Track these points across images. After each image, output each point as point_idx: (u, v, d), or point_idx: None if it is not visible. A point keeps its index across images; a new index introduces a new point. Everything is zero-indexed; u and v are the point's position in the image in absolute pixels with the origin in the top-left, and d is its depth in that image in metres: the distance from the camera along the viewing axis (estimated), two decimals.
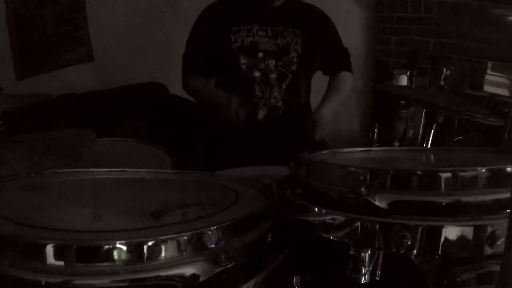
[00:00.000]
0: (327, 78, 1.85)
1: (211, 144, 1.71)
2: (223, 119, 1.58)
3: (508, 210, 0.52)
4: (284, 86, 1.66)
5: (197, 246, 0.57)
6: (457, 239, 0.60)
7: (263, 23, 1.66)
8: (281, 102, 1.66)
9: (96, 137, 1.30)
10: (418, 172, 0.66)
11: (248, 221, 0.64)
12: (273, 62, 1.65)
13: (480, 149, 1.06)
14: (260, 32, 1.65)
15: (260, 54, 1.64)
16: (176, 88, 2.75)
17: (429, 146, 1.51)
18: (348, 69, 1.85)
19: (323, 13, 1.79)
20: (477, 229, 0.59)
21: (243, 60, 1.64)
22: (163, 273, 0.54)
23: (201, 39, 1.71)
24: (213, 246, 0.58)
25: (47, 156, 1.08)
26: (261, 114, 1.65)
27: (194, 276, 0.55)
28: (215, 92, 1.67)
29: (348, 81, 1.84)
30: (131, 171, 0.93)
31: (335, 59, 1.81)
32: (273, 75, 1.65)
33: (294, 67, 1.66)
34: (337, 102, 1.74)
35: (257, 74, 1.64)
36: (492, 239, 0.59)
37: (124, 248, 0.53)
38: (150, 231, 0.60)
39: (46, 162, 1.06)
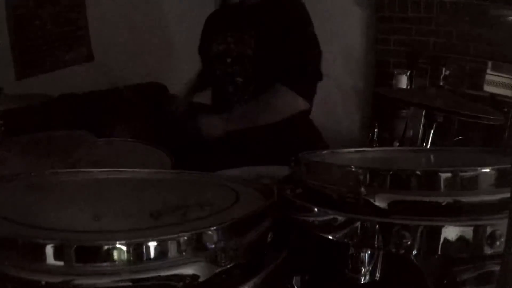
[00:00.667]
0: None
1: (211, 144, 1.71)
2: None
3: (508, 210, 0.52)
4: (251, 90, 1.65)
5: (197, 247, 0.57)
6: (457, 239, 0.59)
7: (231, 29, 1.67)
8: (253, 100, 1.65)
9: (95, 138, 1.30)
10: (418, 172, 0.66)
11: (248, 221, 0.64)
12: (237, 67, 1.65)
13: (480, 149, 1.06)
14: (229, 39, 1.67)
15: (229, 60, 1.66)
16: (176, 88, 2.76)
17: (429, 146, 1.51)
18: (287, 83, 1.49)
19: (294, 8, 1.56)
20: (477, 229, 0.59)
21: (217, 66, 1.70)
22: (163, 273, 0.54)
23: (199, 49, 1.82)
24: (213, 246, 0.58)
25: (44, 158, 1.08)
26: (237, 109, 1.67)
27: (194, 276, 0.55)
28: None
29: (279, 100, 1.50)
30: (131, 171, 0.93)
31: (273, 68, 1.52)
32: (240, 80, 1.65)
33: (249, 72, 1.62)
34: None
35: (228, 79, 1.67)
36: (492, 239, 0.59)
37: (124, 248, 0.53)
38: (150, 231, 0.60)
39: (43, 163, 1.06)
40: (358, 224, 0.64)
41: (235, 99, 1.68)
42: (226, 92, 1.70)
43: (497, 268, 0.53)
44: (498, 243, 0.59)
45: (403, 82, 2.86)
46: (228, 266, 0.57)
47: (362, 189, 0.66)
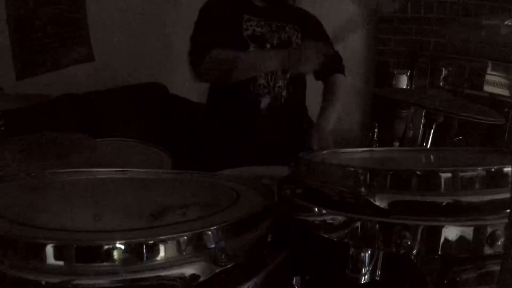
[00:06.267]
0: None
1: (211, 144, 1.71)
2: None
3: (508, 210, 0.52)
4: (288, 77, 1.69)
5: (197, 246, 0.57)
6: (457, 239, 0.59)
7: (267, 18, 1.70)
8: (285, 92, 1.69)
9: (94, 141, 1.30)
10: (418, 172, 0.66)
11: (248, 221, 0.64)
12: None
13: (480, 149, 1.06)
14: (266, 26, 1.69)
15: (268, 45, 1.67)
16: (176, 88, 2.77)
17: (429, 146, 1.51)
18: (342, 71, 1.88)
19: (314, 16, 1.86)
20: (477, 229, 0.59)
21: (251, 48, 1.66)
22: (163, 273, 0.54)
23: (214, 21, 1.68)
24: (213, 246, 0.58)
25: (44, 160, 1.08)
26: (264, 103, 1.67)
27: (194, 276, 0.55)
28: (255, 54, 1.63)
29: (343, 84, 1.87)
30: (131, 171, 0.93)
31: (328, 61, 1.80)
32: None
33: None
34: (336, 111, 1.78)
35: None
36: (492, 239, 0.59)
37: (124, 248, 0.53)
38: (150, 231, 0.60)
39: (43, 164, 1.05)
40: (358, 224, 0.64)
41: (266, 91, 1.67)
42: (253, 82, 1.66)
43: (497, 268, 0.53)
44: (498, 243, 0.59)
45: (403, 82, 2.86)
46: (228, 266, 0.57)
47: (362, 189, 0.66)
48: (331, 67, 1.84)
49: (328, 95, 1.82)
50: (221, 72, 1.63)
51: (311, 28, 1.79)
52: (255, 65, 1.61)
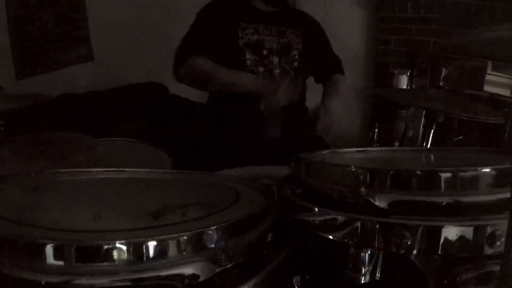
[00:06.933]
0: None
1: (211, 144, 1.71)
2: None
3: (508, 210, 0.52)
4: (286, 82, 1.68)
5: (197, 246, 0.57)
6: (457, 239, 0.59)
7: (268, 22, 1.72)
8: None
9: (94, 140, 1.30)
10: (418, 172, 0.66)
11: (248, 221, 0.64)
12: (277, 59, 1.70)
13: (480, 149, 1.05)
14: (265, 31, 1.71)
15: (265, 52, 1.69)
16: (176, 88, 2.77)
17: (429, 146, 1.51)
18: (341, 72, 1.91)
19: (316, 21, 1.89)
20: (477, 229, 0.59)
21: (248, 56, 1.68)
22: (163, 273, 0.54)
23: (207, 28, 1.71)
24: (213, 246, 0.58)
25: (44, 159, 1.08)
26: (263, 103, 1.68)
27: (194, 276, 0.55)
28: (231, 73, 1.63)
29: (343, 82, 1.88)
30: (131, 171, 0.93)
31: (328, 63, 1.89)
32: (277, 71, 1.70)
33: (296, 63, 1.73)
34: (337, 101, 1.76)
35: (261, 69, 1.68)
36: (492, 239, 0.59)
37: (124, 248, 0.53)
38: (150, 231, 0.60)
39: (43, 164, 1.05)
40: (358, 224, 0.64)
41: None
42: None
43: (497, 268, 0.53)
44: (498, 243, 0.59)
45: (403, 82, 2.86)
46: (228, 266, 0.57)
47: (362, 189, 0.66)
48: (330, 69, 1.88)
49: (328, 90, 1.82)
50: (197, 81, 1.71)
51: (312, 33, 1.81)
52: (230, 84, 1.63)
